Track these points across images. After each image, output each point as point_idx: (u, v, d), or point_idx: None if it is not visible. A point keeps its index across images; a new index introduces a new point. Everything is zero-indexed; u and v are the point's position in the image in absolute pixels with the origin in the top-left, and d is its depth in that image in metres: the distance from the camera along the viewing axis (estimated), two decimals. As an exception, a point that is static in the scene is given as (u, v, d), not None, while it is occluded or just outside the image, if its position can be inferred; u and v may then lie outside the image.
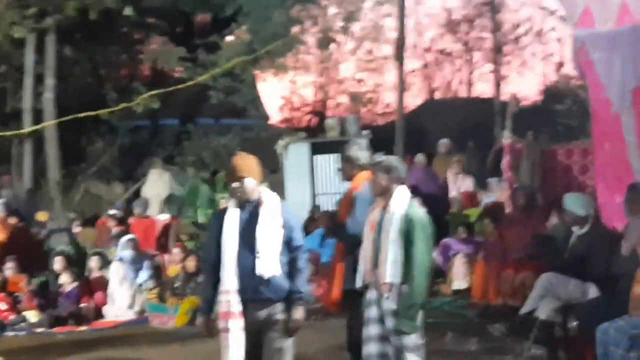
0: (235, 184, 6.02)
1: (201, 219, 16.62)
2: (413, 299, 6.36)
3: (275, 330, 5.99)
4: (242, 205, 6.06)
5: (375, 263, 6.51)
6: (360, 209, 7.17)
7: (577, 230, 8.99)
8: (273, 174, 17.81)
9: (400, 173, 6.72)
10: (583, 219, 8.87)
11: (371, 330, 6.52)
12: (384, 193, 6.60)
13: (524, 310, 9.07)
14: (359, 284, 6.71)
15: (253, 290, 5.90)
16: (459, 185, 15.65)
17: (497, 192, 14.36)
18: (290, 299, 6.03)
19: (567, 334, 8.65)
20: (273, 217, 6.03)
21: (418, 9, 29.59)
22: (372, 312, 6.53)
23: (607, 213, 9.10)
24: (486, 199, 14.70)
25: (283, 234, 6.03)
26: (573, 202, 9.08)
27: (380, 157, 6.95)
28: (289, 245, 6.07)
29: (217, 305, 6.04)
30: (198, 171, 19.19)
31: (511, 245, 10.89)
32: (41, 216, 16.62)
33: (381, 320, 6.47)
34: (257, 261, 5.88)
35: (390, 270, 6.34)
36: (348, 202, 7.53)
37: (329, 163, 20.40)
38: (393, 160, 6.81)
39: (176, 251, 13.30)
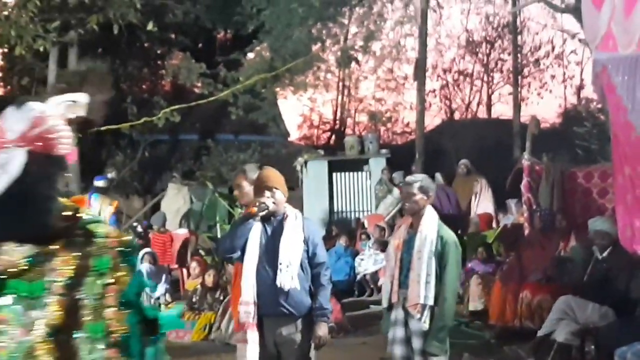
0: (267, 193, 6.02)
1: (220, 234, 16.66)
2: (444, 321, 6.36)
3: (296, 348, 5.99)
4: (266, 218, 6.06)
5: (402, 283, 6.50)
6: None
7: (597, 254, 8.98)
8: (291, 190, 17.79)
9: (433, 194, 6.76)
10: (607, 243, 8.88)
11: (397, 350, 6.51)
12: (416, 213, 6.60)
13: (541, 332, 9.06)
14: (384, 303, 6.68)
15: (274, 304, 5.90)
16: (478, 205, 15.66)
17: (516, 214, 14.36)
18: (312, 315, 6.04)
19: (585, 358, 8.63)
20: (297, 232, 6.05)
21: (439, 30, 29.62)
22: (398, 332, 6.50)
23: (627, 237, 9.06)
24: (504, 220, 14.69)
25: (306, 250, 6.05)
26: (601, 226, 9.09)
27: (415, 177, 6.89)
28: (311, 261, 6.08)
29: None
30: (217, 186, 19.22)
31: (529, 267, 10.88)
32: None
33: (407, 340, 6.46)
34: (278, 273, 5.89)
35: (424, 292, 6.33)
36: None
37: (347, 181, 20.47)
38: (428, 180, 6.80)
39: (194, 265, 13.33)
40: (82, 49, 20.39)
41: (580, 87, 28.75)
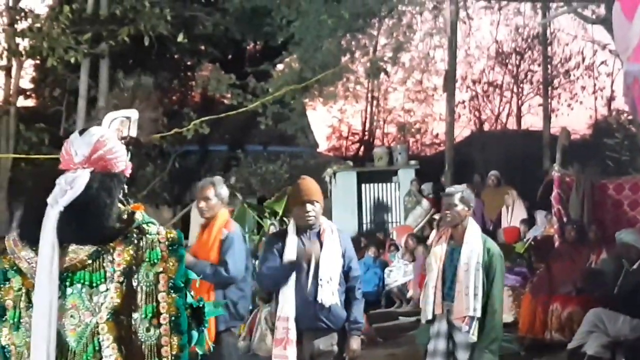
0: (309, 207, 5.96)
1: (249, 244, 16.65)
2: (496, 333, 6.33)
3: None
4: (302, 230, 6.01)
5: (446, 295, 6.46)
6: None
7: (627, 266, 8.92)
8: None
9: (474, 204, 6.74)
10: (636, 255, 8.82)
11: None
12: (458, 224, 6.56)
13: (572, 345, 9.02)
14: (428, 316, 6.60)
15: (312, 319, 5.88)
16: (511, 217, 15.61)
17: (544, 225, 14.28)
18: (345, 328, 6.03)
19: (616, 370, 8.58)
20: (335, 246, 6.03)
21: (468, 41, 29.56)
22: (440, 344, 6.44)
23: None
24: (532, 232, 14.62)
25: (342, 264, 6.04)
26: (629, 238, 9.04)
27: (456, 188, 6.81)
28: (346, 274, 6.06)
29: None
30: (246, 197, 19.26)
31: (559, 279, 10.82)
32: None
33: (448, 354, 6.41)
34: (319, 289, 5.86)
35: (473, 304, 6.29)
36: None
37: (376, 192, 20.46)
38: (469, 191, 6.76)
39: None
40: (113, 61, 20.54)
41: (610, 99, 28.59)
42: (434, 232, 15.57)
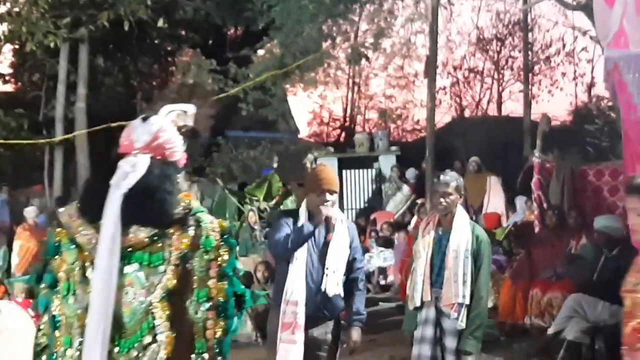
0: (328, 197, 5.89)
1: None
2: (481, 319, 6.34)
3: (326, 348, 5.98)
4: (314, 218, 5.93)
5: (435, 282, 6.45)
6: None
7: (607, 252, 8.96)
8: (301, 187, 17.84)
9: (463, 192, 6.74)
10: (614, 241, 8.85)
11: (424, 350, 6.40)
12: (448, 212, 6.55)
13: (551, 330, 9.07)
14: (416, 303, 6.57)
15: (313, 306, 5.85)
16: (489, 203, 15.65)
17: (524, 211, 14.33)
18: (342, 317, 6.05)
19: (595, 356, 8.63)
20: (344, 237, 6.01)
21: (449, 27, 29.55)
22: (428, 331, 6.41)
23: (637, 235, 9.04)
24: (513, 218, 14.67)
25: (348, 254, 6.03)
26: (605, 224, 9.07)
27: (451, 176, 6.69)
28: (351, 265, 6.06)
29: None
30: (227, 183, 19.22)
31: (539, 264, 10.87)
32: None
33: (436, 340, 6.39)
34: (324, 278, 5.86)
35: (462, 291, 6.29)
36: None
37: (357, 178, 20.48)
38: (461, 179, 6.73)
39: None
40: (92, 46, 20.41)
41: (591, 85, 28.64)
42: (414, 218, 15.61)
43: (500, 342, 10.24)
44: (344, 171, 20.44)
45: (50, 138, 19.72)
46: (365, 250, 15.41)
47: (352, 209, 20.59)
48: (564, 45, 29.23)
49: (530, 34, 26.71)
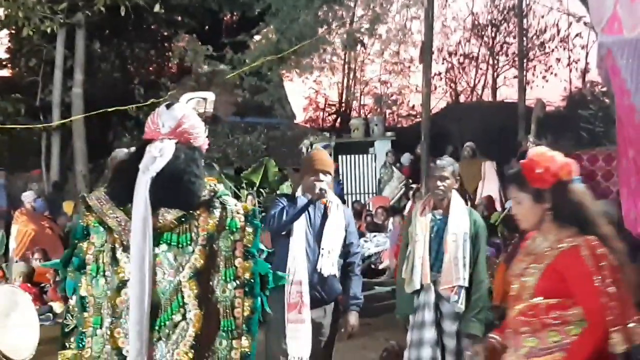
0: (321, 177, 5.96)
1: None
2: (483, 302, 6.40)
3: (322, 331, 6.05)
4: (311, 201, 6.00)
5: (433, 266, 6.47)
6: None
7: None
8: (297, 172, 17.92)
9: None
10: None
11: (427, 333, 6.38)
12: (444, 197, 6.61)
13: (545, 313, 9.12)
14: (416, 286, 6.58)
15: (310, 286, 5.91)
16: (483, 188, 15.70)
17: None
18: (339, 301, 6.13)
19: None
20: (339, 219, 6.10)
21: (445, 12, 29.59)
22: (427, 315, 6.40)
23: (631, 220, 9.11)
24: (508, 203, 14.74)
25: (344, 238, 6.11)
26: (606, 209, 9.14)
27: (447, 161, 6.76)
28: (347, 249, 6.15)
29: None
30: (223, 168, 19.27)
31: (533, 248, 10.93)
32: (67, 207, 16.74)
33: (435, 323, 6.40)
34: (320, 259, 5.93)
35: (461, 274, 6.34)
36: None
37: (352, 163, 20.54)
38: (456, 164, 6.80)
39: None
40: (89, 31, 20.42)
41: (585, 71, 28.79)
42: (409, 202, 15.68)
43: (494, 326, 10.30)
44: (339, 156, 20.50)
45: (47, 123, 19.77)
46: (361, 235, 15.50)
47: (348, 194, 20.65)
48: (558, 31, 29.40)
49: (525, 20, 26.75)
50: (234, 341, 3.61)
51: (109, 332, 3.61)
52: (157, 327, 3.58)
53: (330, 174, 6.07)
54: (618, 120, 8.94)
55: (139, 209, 3.54)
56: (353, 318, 6.18)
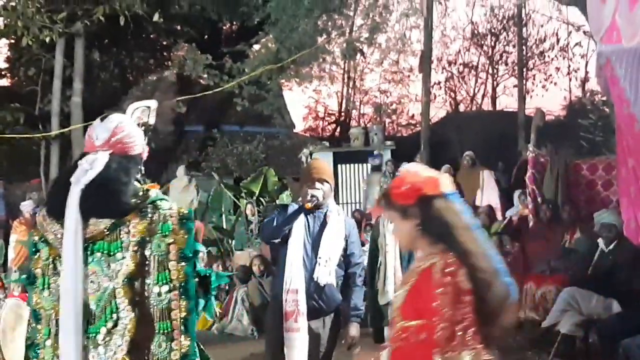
0: (318, 185, 5.96)
1: (225, 225, 16.69)
2: None
3: (321, 342, 5.99)
4: (309, 210, 6.01)
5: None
6: None
7: (602, 246, 9.01)
8: (297, 182, 17.88)
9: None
10: (614, 235, 8.92)
11: None
12: None
13: (545, 323, 9.12)
14: (389, 297, 6.51)
15: (308, 295, 5.88)
16: (482, 198, 15.67)
17: (519, 205, 14.37)
18: (339, 312, 6.07)
19: (589, 349, 8.68)
20: (339, 228, 6.05)
21: (444, 22, 29.58)
22: None
23: (631, 229, 9.11)
24: (508, 212, 14.71)
25: (344, 248, 6.06)
26: (610, 218, 9.12)
27: (409, 166, 6.76)
28: (348, 260, 6.10)
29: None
30: (222, 177, 19.26)
31: (533, 258, 10.92)
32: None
33: None
34: (317, 267, 5.90)
35: None
36: None
37: (352, 172, 20.52)
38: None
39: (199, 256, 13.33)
40: (88, 40, 20.42)
41: (585, 80, 28.70)
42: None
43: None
44: (339, 165, 20.47)
45: (46, 132, 19.74)
46: (362, 244, 15.45)
47: (347, 203, 20.62)
48: (558, 40, 29.32)
49: (524, 29, 26.81)
50: (172, 343, 3.62)
51: (56, 343, 3.66)
52: (92, 335, 3.62)
53: (328, 182, 6.04)
54: (618, 129, 8.94)
55: (70, 220, 3.62)
56: (354, 329, 6.12)
